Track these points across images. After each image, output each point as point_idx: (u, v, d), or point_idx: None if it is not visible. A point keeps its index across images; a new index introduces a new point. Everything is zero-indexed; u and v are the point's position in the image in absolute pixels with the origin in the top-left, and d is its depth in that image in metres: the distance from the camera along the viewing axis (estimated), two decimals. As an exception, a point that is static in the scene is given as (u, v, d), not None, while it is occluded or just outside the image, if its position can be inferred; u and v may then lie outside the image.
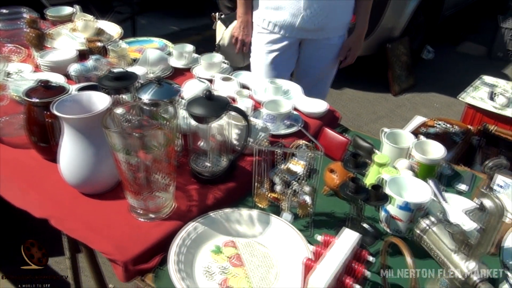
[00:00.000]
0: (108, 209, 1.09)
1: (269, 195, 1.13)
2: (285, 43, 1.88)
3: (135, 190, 1.02)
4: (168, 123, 0.97)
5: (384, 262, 0.84)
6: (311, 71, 1.99)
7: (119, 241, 1.00)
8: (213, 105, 1.09)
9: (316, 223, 1.14)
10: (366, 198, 0.98)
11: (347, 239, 0.74)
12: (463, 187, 1.29)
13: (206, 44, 1.84)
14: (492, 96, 2.57)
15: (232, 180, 1.20)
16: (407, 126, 2.52)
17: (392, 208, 1.08)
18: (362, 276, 0.71)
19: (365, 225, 1.14)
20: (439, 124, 2.48)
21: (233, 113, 1.20)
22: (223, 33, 2.12)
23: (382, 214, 1.12)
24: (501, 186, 1.26)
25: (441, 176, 1.31)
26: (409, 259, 0.69)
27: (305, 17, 1.78)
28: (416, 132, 2.29)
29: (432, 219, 0.99)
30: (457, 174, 1.35)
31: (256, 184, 1.11)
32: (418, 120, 2.59)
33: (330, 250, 0.71)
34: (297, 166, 1.31)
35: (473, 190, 1.27)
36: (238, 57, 2.09)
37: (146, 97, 1.15)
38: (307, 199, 1.09)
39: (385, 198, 1.00)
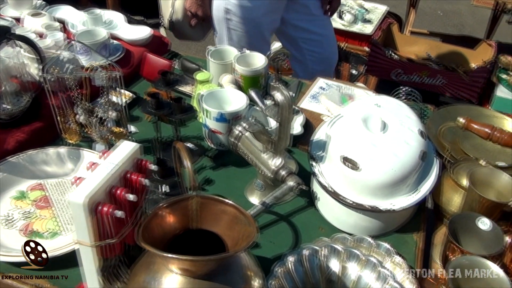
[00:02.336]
0: None
1: (79, 129, 1.03)
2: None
3: None
4: None
5: (177, 169, 0.80)
6: None
7: None
8: (-12, 35, 0.94)
9: (139, 151, 1.07)
10: (170, 113, 0.93)
11: (122, 150, 0.68)
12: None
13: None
14: (340, 15, 2.65)
15: (38, 120, 1.08)
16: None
17: (210, 122, 1.04)
18: (140, 185, 0.67)
19: (189, 145, 1.10)
20: (295, 48, 2.52)
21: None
22: (172, 5, 1.62)
23: (204, 130, 1.09)
24: (323, 88, 1.29)
25: (268, 87, 1.31)
26: (184, 161, 0.66)
27: None
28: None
29: (244, 124, 0.97)
30: (285, 83, 1.36)
31: (60, 118, 1.01)
32: (276, 45, 2.61)
33: (100, 164, 0.65)
34: (120, 97, 1.22)
35: (298, 96, 1.29)
36: (197, 31, 1.65)
37: None
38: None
39: (189, 110, 0.96)
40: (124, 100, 1.06)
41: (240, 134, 0.96)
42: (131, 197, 0.64)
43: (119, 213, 0.61)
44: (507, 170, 1.07)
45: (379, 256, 0.81)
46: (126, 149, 0.68)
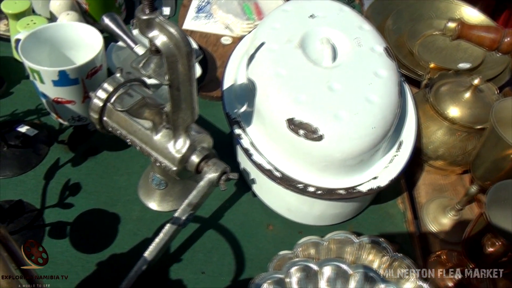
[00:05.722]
0: None
1: None
2: None
3: None
4: None
5: None
6: None
7: None
8: None
9: None
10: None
11: None
12: (166, 11, 0.89)
13: None
14: None
15: None
16: None
17: (47, 88, 0.61)
18: None
19: (23, 129, 0.67)
20: None
21: None
22: None
23: (43, 100, 0.66)
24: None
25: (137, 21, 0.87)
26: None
27: None
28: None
29: (107, 86, 0.57)
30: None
31: None
32: None
33: None
34: None
35: (178, 12, 0.88)
36: None
37: None
38: None
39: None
40: None
41: (104, 104, 0.56)
42: None
43: None
44: (469, 72, 0.83)
45: (371, 259, 0.53)
46: None
